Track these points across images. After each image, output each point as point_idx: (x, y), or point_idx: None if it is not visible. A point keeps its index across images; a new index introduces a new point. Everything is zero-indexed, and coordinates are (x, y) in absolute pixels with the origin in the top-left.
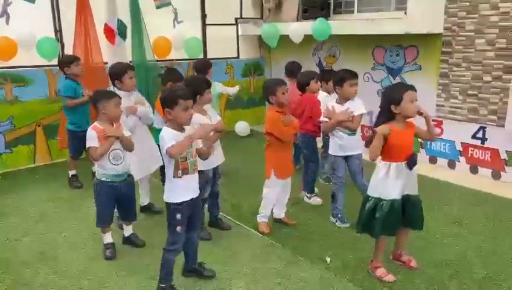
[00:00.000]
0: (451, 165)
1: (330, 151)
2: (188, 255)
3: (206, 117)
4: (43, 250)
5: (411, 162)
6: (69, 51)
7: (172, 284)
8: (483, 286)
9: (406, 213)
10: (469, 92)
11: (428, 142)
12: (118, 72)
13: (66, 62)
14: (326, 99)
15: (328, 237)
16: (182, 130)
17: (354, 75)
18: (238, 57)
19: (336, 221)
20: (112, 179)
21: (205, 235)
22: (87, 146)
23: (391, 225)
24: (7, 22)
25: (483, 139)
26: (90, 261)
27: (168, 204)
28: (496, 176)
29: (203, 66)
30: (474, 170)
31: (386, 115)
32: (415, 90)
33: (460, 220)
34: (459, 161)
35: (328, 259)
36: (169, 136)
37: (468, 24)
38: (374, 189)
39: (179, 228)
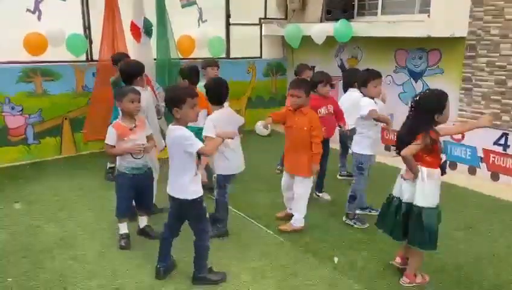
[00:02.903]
0: (472, 171)
1: (359, 150)
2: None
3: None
4: (62, 237)
5: None
6: (96, 47)
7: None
8: None
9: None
10: (492, 97)
11: (449, 147)
12: None
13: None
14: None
15: (338, 236)
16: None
17: (377, 75)
18: (260, 57)
19: (355, 223)
20: (132, 171)
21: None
22: (105, 141)
23: (386, 220)
24: (39, 19)
25: (505, 146)
26: (105, 249)
27: (195, 200)
28: None
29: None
30: (495, 177)
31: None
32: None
33: (476, 226)
34: (480, 168)
35: (336, 259)
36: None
37: (494, 28)
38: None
39: (207, 214)
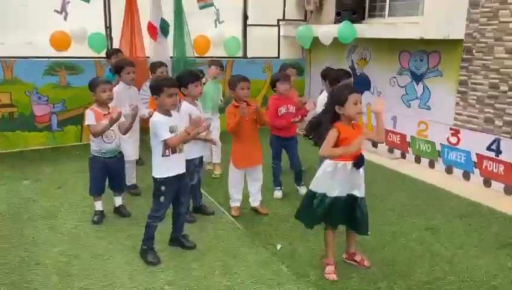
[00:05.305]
0: (466, 176)
1: None
2: (175, 227)
3: (196, 108)
4: (49, 210)
5: (358, 162)
6: (116, 45)
7: (153, 247)
8: (414, 288)
9: (350, 213)
10: (486, 101)
11: (445, 151)
12: (117, 66)
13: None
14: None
15: (293, 227)
16: (168, 114)
17: (346, 74)
18: (278, 57)
19: None
20: (103, 155)
21: (189, 218)
22: (86, 124)
23: (331, 219)
24: (65, 19)
25: (498, 152)
26: (81, 223)
27: (155, 178)
28: (509, 191)
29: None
30: (487, 183)
31: (331, 114)
32: (360, 93)
33: (438, 228)
34: (474, 173)
35: (279, 246)
36: (163, 125)
37: (489, 31)
38: (320, 185)
39: (162, 198)
